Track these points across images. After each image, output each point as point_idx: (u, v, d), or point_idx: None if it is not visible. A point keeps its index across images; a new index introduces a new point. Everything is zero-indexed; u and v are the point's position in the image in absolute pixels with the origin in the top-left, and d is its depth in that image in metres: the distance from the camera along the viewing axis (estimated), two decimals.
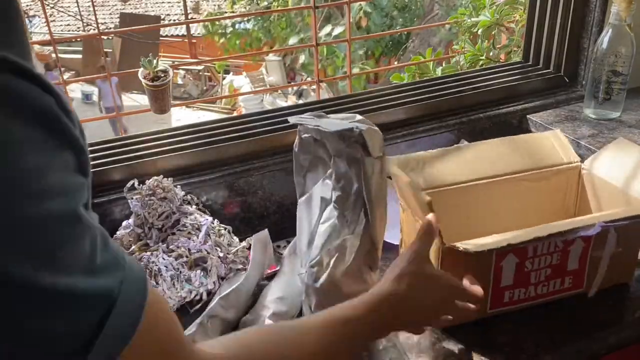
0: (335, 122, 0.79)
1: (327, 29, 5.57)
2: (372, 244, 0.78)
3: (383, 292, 0.66)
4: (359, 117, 0.80)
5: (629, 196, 0.88)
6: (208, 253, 0.91)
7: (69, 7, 10.38)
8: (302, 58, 6.55)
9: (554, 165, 0.96)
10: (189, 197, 1.02)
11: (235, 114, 6.94)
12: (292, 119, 0.84)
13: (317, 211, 0.82)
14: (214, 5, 9.76)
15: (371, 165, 0.76)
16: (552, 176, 0.96)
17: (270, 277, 0.94)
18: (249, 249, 0.98)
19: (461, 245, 0.74)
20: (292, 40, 6.08)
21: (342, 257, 0.77)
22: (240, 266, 0.94)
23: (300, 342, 0.59)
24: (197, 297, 0.91)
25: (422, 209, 0.77)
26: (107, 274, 0.39)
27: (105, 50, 2.84)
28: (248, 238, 0.98)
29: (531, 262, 0.81)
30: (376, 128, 0.78)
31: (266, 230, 0.94)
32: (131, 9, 11.18)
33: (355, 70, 4.82)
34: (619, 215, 0.79)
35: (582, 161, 0.97)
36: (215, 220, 0.99)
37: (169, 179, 1.00)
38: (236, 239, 0.99)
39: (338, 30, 5.50)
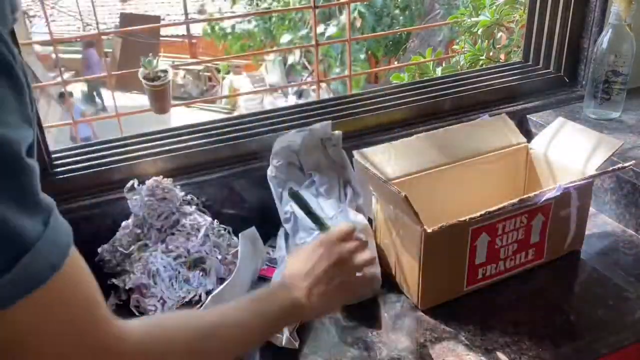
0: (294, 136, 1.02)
1: (320, 28, 5.56)
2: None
3: (284, 268, 0.74)
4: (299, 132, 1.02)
5: (572, 169, 0.98)
6: (207, 254, 0.91)
7: (69, 7, 10.37)
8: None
9: (504, 147, 1.05)
10: (189, 197, 1.02)
11: (235, 114, 6.94)
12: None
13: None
14: (219, 6, 9.76)
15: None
16: (503, 158, 1.05)
17: (265, 279, 0.94)
18: None
19: (445, 224, 0.79)
20: (285, 39, 6.07)
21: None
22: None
23: (220, 323, 0.60)
24: (196, 298, 0.91)
25: (394, 200, 0.84)
26: (35, 215, 0.40)
27: (105, 50, 2.84)
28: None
29: (500, 239, 0.89)
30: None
31: (253, 227, 0.94)
32: (131, 9, 11.18)
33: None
34: (575, 180, 0.89)
35: (529, 142, 1.07)
36: (215, 220, 0.99)
37: (169, 179, 1.00)
38: (236, 239, 0.99)
39: (331, 30, 5.49)
